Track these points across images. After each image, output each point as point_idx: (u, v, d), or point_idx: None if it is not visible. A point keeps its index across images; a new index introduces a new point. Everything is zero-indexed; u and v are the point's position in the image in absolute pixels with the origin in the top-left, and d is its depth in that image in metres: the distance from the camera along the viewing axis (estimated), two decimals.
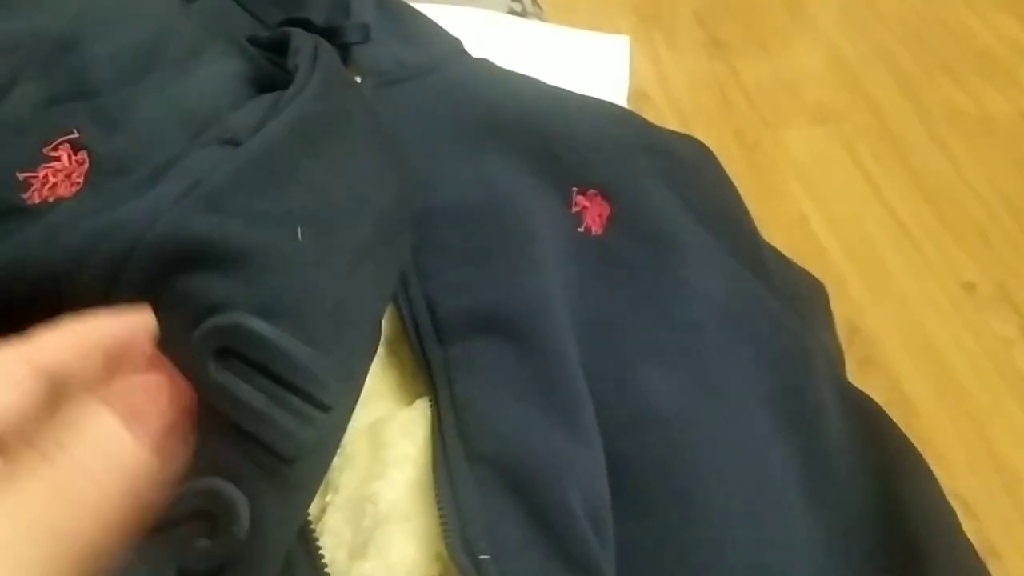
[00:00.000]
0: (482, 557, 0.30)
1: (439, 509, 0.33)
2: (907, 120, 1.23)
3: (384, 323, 0.40)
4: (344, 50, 0.51)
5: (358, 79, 0.49)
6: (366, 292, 0.34)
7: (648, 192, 0.47)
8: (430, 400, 0.37)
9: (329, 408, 0.30)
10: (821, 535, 0.38)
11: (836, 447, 0.41)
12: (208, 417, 0.28)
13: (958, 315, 0.99)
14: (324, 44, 0.42)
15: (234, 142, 0.34)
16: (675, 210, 0.47)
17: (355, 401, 0.32)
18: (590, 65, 0.65)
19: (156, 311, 0.29)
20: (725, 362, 0.42)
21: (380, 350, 0.40)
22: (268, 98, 0.37)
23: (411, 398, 0.39)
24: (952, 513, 0.40)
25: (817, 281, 0.55)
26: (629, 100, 1.23)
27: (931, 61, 1.33)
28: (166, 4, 0.45)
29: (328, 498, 0.35)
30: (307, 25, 0.52)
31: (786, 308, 0.46)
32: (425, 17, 0.58)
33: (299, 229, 0.32)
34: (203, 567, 0.26)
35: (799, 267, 0.55)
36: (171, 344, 0.29)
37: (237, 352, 0.29)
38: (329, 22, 0.54)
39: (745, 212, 0.51)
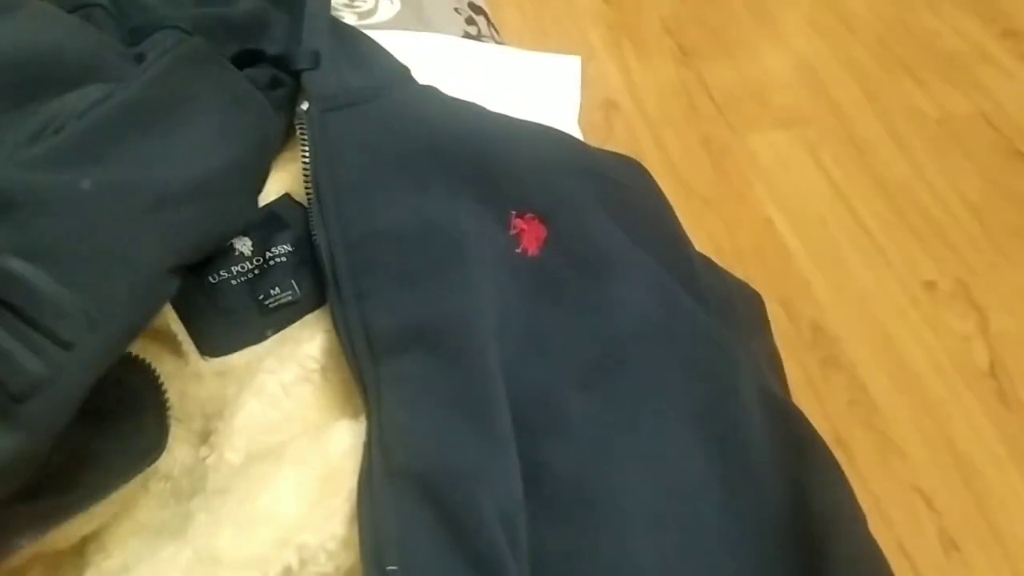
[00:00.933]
0: (390, 568, 0.33)
1: (359, 523, 0.35)
2: (869, 123, 1.25)
3: (318, 348, 0.42)
4: (295, 77, 0.53)
5: (305, 105, 0.51)
6: (152, 243, 0.35)
7: (583, 215, 0.49)
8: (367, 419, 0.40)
9: (69, 345, 0.30)
10: (736, 537, 0.40)
11: (756, 456, 0.43)
12: None
13: (918, 313, 1.02)
14: (194, 39, 0.44)
15: (59, 130, 0.36)
16: (610, 231, 0.49)
17: (108, 352, 0.32)
18: (542, 86, 0.67)
19: None
20: (646, 376, 0.44)
21: (314, 375, 0.42)
22: (105, 87, 0.39)
23: (348, 419, 0.41)
24: (855, 506, 0.42)
25: (752, 290, 0.58)
26: (599, 108, 1.26)
27: (893, 64, 1.35)
28: (63, 25, 0.46)
29: None
30: (260, 55, 0.54)
31: (716, 321, 0.48)
32: (376, 44, 0.60)
33: (85, 180, 0.33)
34: None
35: (734, 278, 0.57)
36: None
37: None
38: (282, 51, 0.56)
39: (679, 229, 0.53)
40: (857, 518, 0.41)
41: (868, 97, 1.29)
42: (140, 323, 0.35)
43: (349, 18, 0.67)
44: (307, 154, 0.48)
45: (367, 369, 0.41)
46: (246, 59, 0.54)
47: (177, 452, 0.41)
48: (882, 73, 1.34)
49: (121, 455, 0.36)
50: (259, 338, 0.45)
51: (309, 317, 0.46)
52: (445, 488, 0.36)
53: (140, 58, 0.47)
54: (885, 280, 1.05)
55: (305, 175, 0.48)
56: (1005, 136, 1.23)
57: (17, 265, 0.31)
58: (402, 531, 0.35)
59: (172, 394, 0.42)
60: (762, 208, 1.14)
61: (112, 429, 0.33)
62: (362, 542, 0.34)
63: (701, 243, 0.56)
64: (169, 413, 0.40)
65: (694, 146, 1.23)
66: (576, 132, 0.63)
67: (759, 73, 1.34)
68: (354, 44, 0.58)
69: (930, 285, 1.04)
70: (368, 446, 0.38)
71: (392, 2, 0.72)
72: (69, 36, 0.45)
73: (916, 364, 0.97)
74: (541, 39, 1.39)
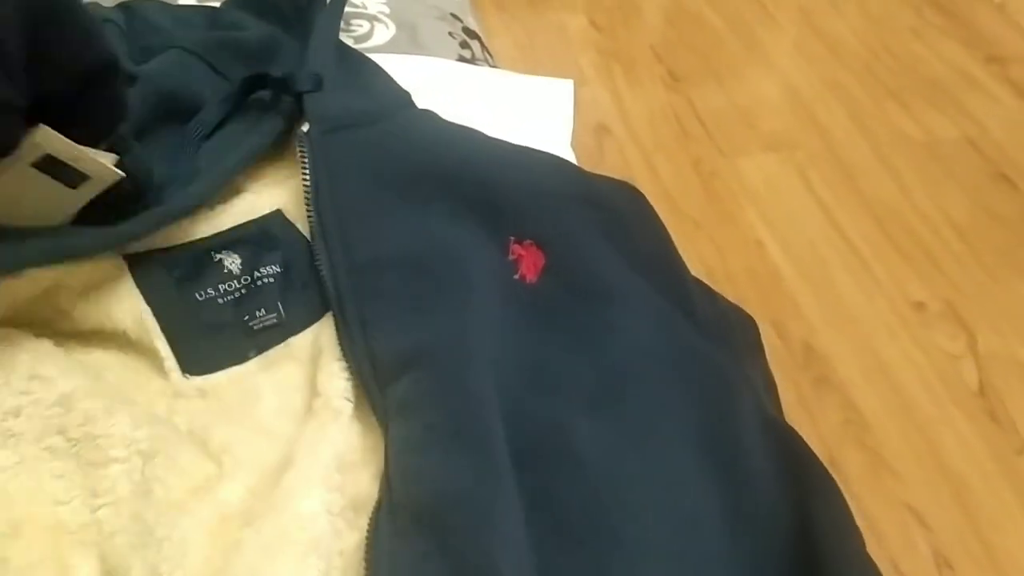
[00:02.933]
0: None
1: (366, 561, 0.36)
2: (857, 146, 1.27)
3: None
4: (297, 98, 0.54)
5: (306, 127, 0.52)
6: None
7: (581, 243, 0.50)
8: None
9: None
10: (742, 560, 0.41)
11: (758, 478, 0.43)
12: None
13: (908, 333, 1.03)
14: None
15: None
16: (608, 259, 0.50)
17: None
18: (536, 108, 0.68)
19: None
20: (650, 404, 0.45)
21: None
22: None
23: None
24: (851, 524, 0.42)
25: (746, 314, 0.58)
26: (591, 133, 1.28)
27: (879, 89, 1.38)
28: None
29: None
30: (264, 78, 0.55)
31: (713, 345, 0.49)
32: (378, 68, 0.61)
33: None
34: None
35: (729, 302, 0.58)
36: None
37: None
38: (285, 73, 0.57)
39: (675, 254, 0.54)
40: (853, 536, 0.42)
41: (855, 121, 1.31)
42: None
43: (344, 41, 0.68)
44: (307, 177, 0.49)
45: (376, 397, 0.41)
46: (253, 84, 0.55)
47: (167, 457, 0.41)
48: (868, 98, 1.36)
49: None
50: (242, 359, 0.45)
51: (293, 339, 0.46)
52: (440, 518, 0.37)
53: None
54: (875, 300, 1.06)
55: (307, 199, 0.48)
56: (990, 159, 1.25)
57: None
58: (399, 565, 0.35)
59: (160, 412, 0.42)
60: (752, 230, 1.15)
61: None
62: None
63: (693, 265, 0.57)
64: None
65: (685, 169, 1.24)
66: (569, 154, 0.64)
67: (747, 98, 1.36)
68: (357, 68, 0.59)
69: (919, 306, 1.06)
70: (382, 480, 0.39)
71: (387, 26, 0.74)
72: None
73: (907, 383, 0.98)
74: (532, 64, 1.41)
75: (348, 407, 0.42)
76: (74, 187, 0.43)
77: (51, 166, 0.41)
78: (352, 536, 0.39)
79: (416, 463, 0.39)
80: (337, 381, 0.43)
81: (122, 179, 0.44)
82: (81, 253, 0.43)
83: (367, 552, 0.37)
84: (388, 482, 0.39)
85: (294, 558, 0.36)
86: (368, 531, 0.38)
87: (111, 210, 0.45)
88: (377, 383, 0.42)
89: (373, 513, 0.38)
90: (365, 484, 0.40)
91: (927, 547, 0.85)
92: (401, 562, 0.36)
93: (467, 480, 0.38)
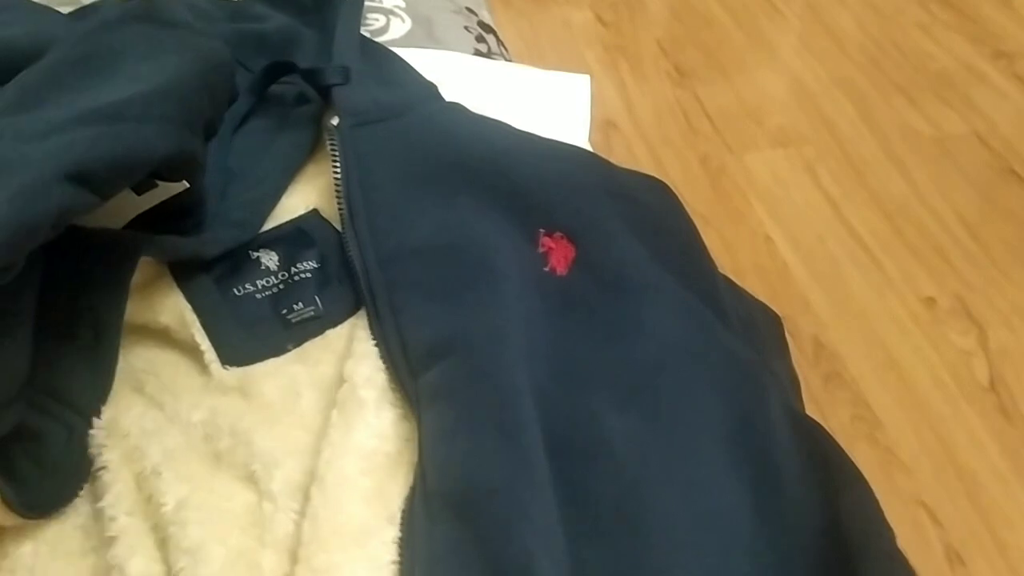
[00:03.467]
0: None
1: (399, 548, 0.36)
2: (865, 142, 1.27)
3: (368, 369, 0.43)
4: (325, 92, 0.54)
5: (335, 120, 0.52)
6: (39, 155, 0.37)
7: (611, 237, 0.49)
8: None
9: None
10: (771, 554, 0.40)
11: (787, 473, 0.43)
12: None
13: (919, 329, 1.03)
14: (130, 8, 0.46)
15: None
16: (637, 253, 0.49)
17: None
18: (553, 103, 0.68)
19: None
20: (680, 399, 0.45)
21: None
22: None
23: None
24: (887, 526, 0.42)
25: (772, 312, 0.58)
26: (598, 129, 1.27)
27: (887, 84, 1.37)
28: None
29: None
30: (291, 67, 0.55)
31: (741, 341, 0.49)
32: (404, 62, 0.61)
33: None
34: None
35: (755, 299, 0.57)
36: None
37: None
38: (313, 66, 0.57)
39: (703, 249, 0.54)
40: (884, 534, 0.41)
41: (863, 116, 1.31)
42: (34, 220, 0.35)
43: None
44: (338, 169, 0.49)
45: (408, 385, 0.41)
46: (277, 70, 0.55)
47: (195, 467, 0.41)
48: (876, 93, 1.35)
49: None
50: (280, 351, 0.45)
51: (330, 332, 0.46)
52: (475, 507, 0.37)
53: None
54: (885, 296, 1.06)
55: (337, 190, 0.48)
56: (998, 154, 1.25)
57: None
58: (433, 553, 0.35)
59: (203, 411, 0.42)
60: (761, 226, 1.15)
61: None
62: (401, 567, 0.35)
63: None
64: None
65: (692, 165, 1.24)
66: (587, 148, 0.64)
67: (755, 93, 1.36)
68: (382, 61, 0.59)
69: (929, 301, 1.05)
70: (416, 468, 0.39)
71: (403, 20, 0.73)
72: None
73: (918, 379, 0.98)
74: (538, 60, 1.41)
75: (373, 394, 0.42)
76: (140, 193, 0.43)
77: None
78: (388, 525, 0.38)
79: (449, 452, 0.39)
80: (364, 366, 0.43)
81: (182, 191, 0.45)
82: (174, 256, 0.46)
83: (401, 540, 0.37)
84: (422, 471, 0.39)
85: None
86: (402, 519, 0.38)
87: (159, 218, 0.45)
88: (410, 371, 0.42)
89: (407, 502, 0.38)
90: (402, 474, 0.40)
91: (939, 543, 0.85)
92: (435, 550, 0.36)
93: (500, 469, 0.38)
